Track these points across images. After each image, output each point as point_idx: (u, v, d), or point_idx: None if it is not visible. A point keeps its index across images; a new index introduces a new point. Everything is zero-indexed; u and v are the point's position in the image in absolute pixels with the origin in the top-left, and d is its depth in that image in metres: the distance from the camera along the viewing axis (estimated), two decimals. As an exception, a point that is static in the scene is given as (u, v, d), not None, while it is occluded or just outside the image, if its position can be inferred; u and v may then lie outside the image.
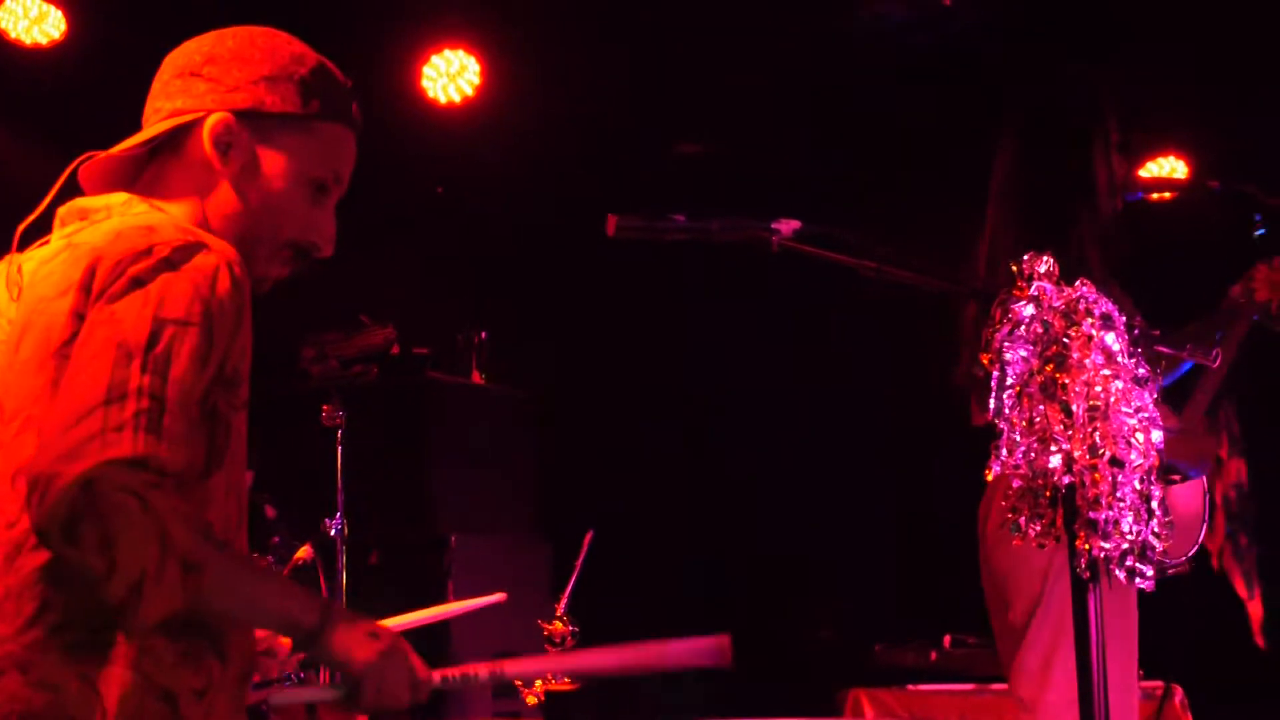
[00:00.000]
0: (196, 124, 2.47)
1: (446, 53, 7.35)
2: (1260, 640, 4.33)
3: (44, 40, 6.79)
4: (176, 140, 2.48)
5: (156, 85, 2.54)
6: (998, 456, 2.27)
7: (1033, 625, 3.86)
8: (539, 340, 7.91)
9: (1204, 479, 4.11)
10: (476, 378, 7.50)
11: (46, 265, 2.35)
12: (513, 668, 2.58)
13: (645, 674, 2.71)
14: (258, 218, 2.45)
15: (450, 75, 7.38)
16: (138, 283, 2.20)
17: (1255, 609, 4.35)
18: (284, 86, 2.49)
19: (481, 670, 2.53)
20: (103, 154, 2.49)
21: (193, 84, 2.49)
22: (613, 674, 2.80)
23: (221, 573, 2.17)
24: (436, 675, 2.44)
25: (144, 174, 2.50)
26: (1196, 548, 4.12)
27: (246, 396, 2.34)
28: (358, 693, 2.35)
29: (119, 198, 2.43)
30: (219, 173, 2.46)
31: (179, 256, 2.24)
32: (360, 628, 2.34)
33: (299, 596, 2.30)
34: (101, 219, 2.39)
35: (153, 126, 2.49)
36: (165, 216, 2.37)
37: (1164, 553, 2.28)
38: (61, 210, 2.47)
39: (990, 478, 2.30)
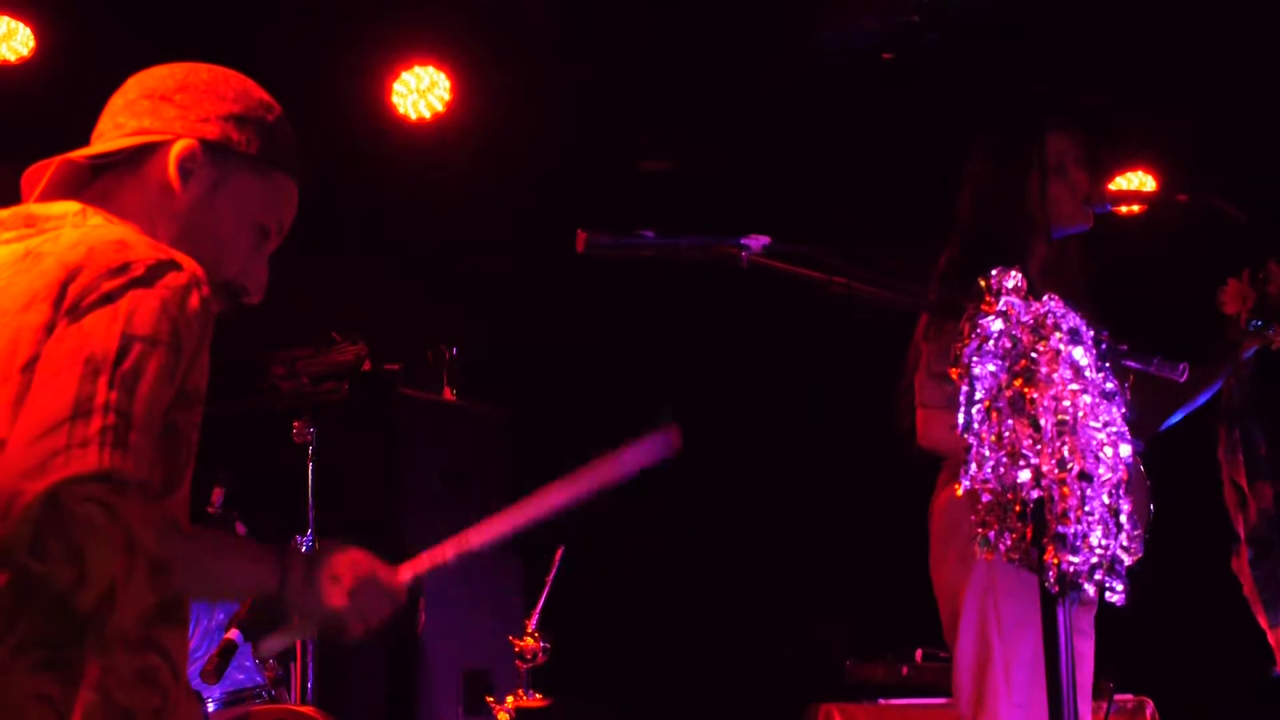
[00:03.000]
0: (162, 146, 2.48)
1: (417, 69, 7.34)
2: None
3: (12, 57, 6.77)
4: (136, 158, 2.49)
5: (119, 102, 2.55)
6: (966, 471, 2.28)
7: (957, 644, 3.91)
8: (510, 356, 7.90)
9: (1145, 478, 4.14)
10: (448, 394, 7.48)
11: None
12: (476, 537, 2.63)
13: (606, 489, 2.82)
14: (203, 249, 2.45)
15: (420, 91, 7.37)
16: (109, 298, 2.20)
17: (1273, 639, 4.33)
18: (250, 129, 2.53)
19: (448, 552, 2.59)
20: (69, 156, 2.49)
21: (163, 107, 2.50)
22: (574, 503, 2.90)
23: (188, 568, 2.17)
24: (408, 573, 2.48)
25: (93, 186, 2.49)
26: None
27: (201, 415, 2.33)
28: (342, 630, 2.39)
29: (71, 207, 2.41)
30: (175, 198, 2.48)
31: (152, 274, 2.24)
32: (321, 575, 2.37)
33: (256, 564, 2.33)
34: (53, 228, 2.37)
35: (118, 140, 2.49)
36: (133, 232, 2.36)
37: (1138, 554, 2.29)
38: (3, 215, 2.46)
39: (960, 493, 2.31)
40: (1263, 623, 4.30)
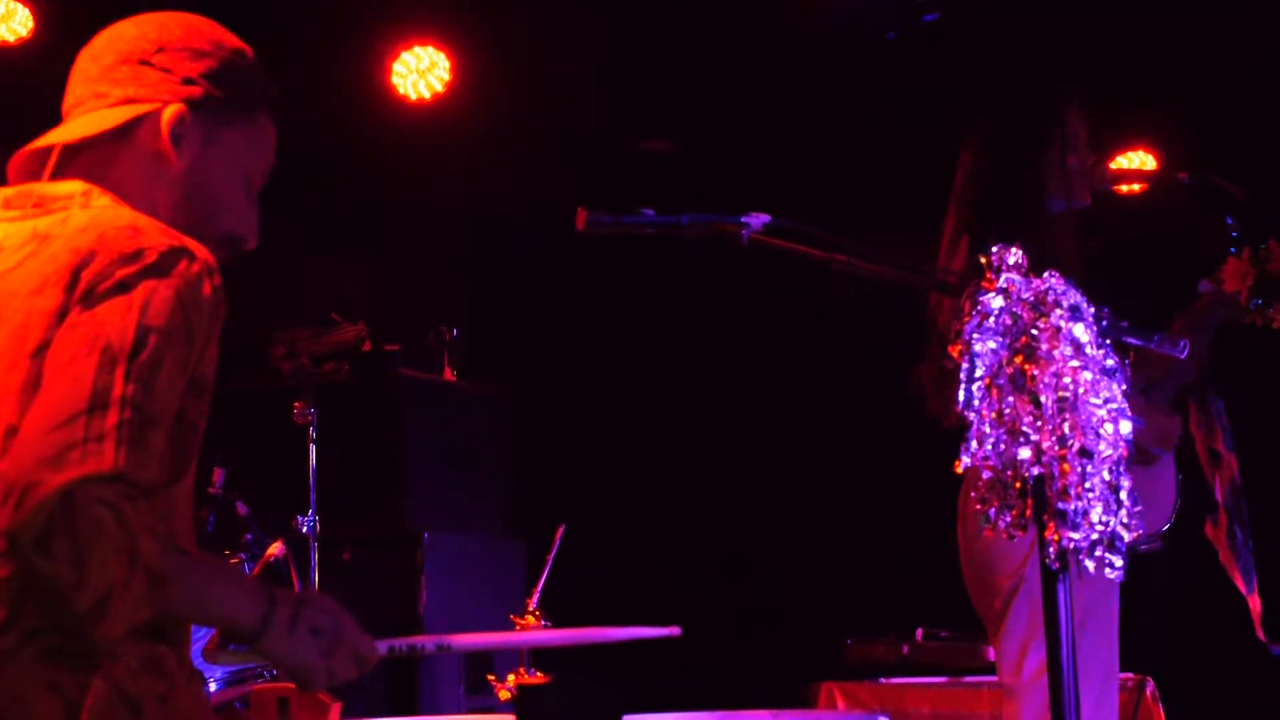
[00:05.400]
0: (150, 114, 2.46)
1: (416, 49, 7.34)
2: (1261, 634, 4.34)
3: (11, 38, 6.77)
4: (125, 129, 2.46)
5: (94, 69, 2.51)
6: (967, 448, 2.28)
7: (1010, 613, 3.90)
8: (510, 337, 7.91)
9: (1172, 456, 4.15)
10: (448, 374, 7.49)
11: (7, 255, 2.33)
12: (459, 641, 2.62)
13: (589, 646, 2.80)
14: (202, 209, 2.46)
15: (420, 71, 7.37)
16: (123, 287, 2.19)
17: (1255, 603, 4.36)
18: (230, 80, 2.51)
19: (428, 642, 2.56)
20: (67, 141, 2.47)
21: (144, 72, 2.48)
22: (558, 647, 2.87)
23: (183, 582, 2.16)
24: (384, 647, 2.46)
25: (80, 159, 2.46)
26: (1169, 525, 4.16)
27: (209, 404, 2.32)
28: (306, 685, 2.39)
29: (77, 187, 2.40)
30: (171, 164, 2.46)
31: (165, 262, 2.23)
32: (301, 627, 2.33)
33: (244, 600, 2.30)
34: (60, 209, 2.36)
35: (105, 113, 2.46)
36: (142, 216, 2.35)
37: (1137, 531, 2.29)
38: (8, 192, 2.44)
39: (960, 470, 2.31)
40: (1241, 588, 4.32)
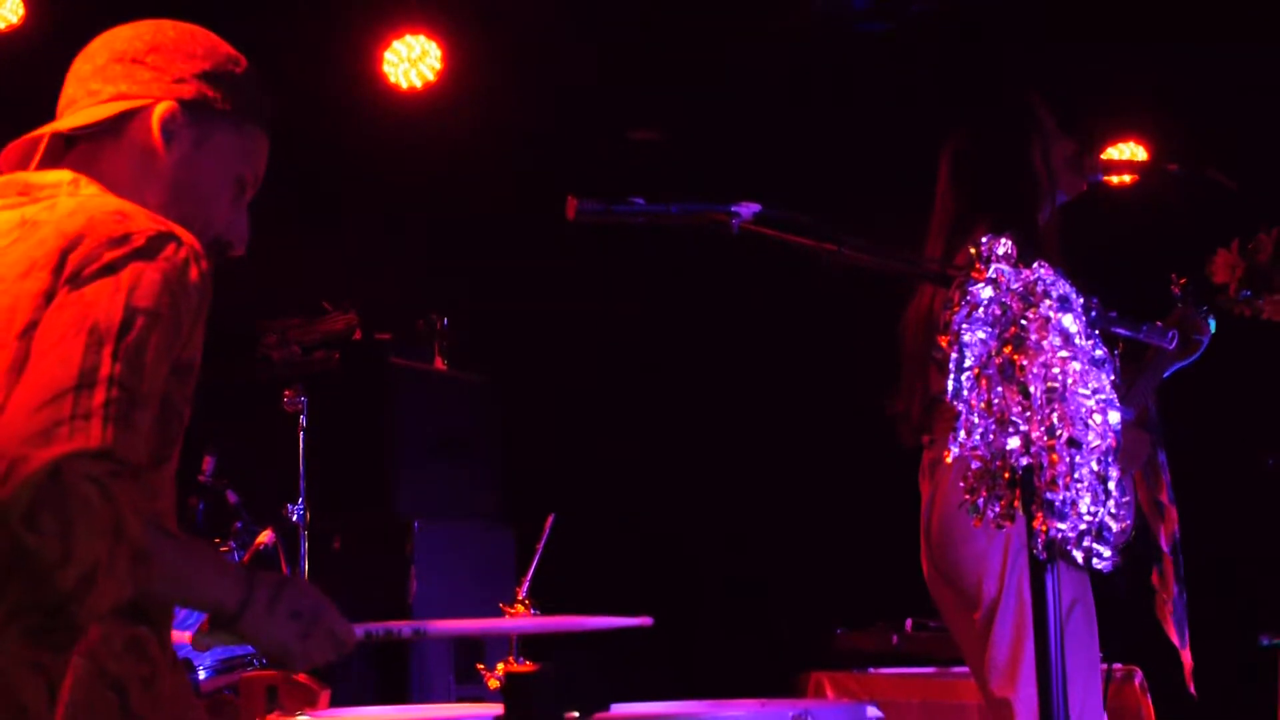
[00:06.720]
0: (142, 110, 2.48)
1: (408, 37, 7.33)
2: (1192, 688, 4.37)
3: (1, 25, 6.75)
4: (116, 125, 2.49)
5: (87, 67, 2.54)
6: (955, 439, 2.28)
7: (995, 623, 3.88)
8: (501, 325, 7.91)
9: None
10: (439, 363, 7.49)
11: None
12: (435, 627, 2.65)
13: (576, 634, 2.85)
14: (190, 209, 2.46)
15: (411, 60, 7.36)
16: (111, 269, 2.20)
17: (1187, 657, 4.38)
18: (223, 84, 2.53)
19: (404, 627, 2.58)
20: (56, 129, 2.48)
21: (136, 70, 2.50)
22: (536, 634, 2.93)
23: (165, 561, 2.17)
24: (361, 631, 2.49)
25: (72, 154, 2.49)
26: (1126, 538, 4.16)
27: (193, 388, 2.33)
28: (283, 665, 2.42)
29: (64, 175, 2.41)
30: (160, 161, 2.48)
31: (153, 246, 2.24)
32: (280, 609, 2.36)
33: (224, 579, 2.32)
34: (48, 197, 2.37)
35: (97, 108, 2.48)
36: (129, 203, 2.36)
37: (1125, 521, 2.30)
38: None
39: (949, 459, 2.31)
40: (1174, 640, 4.34)
